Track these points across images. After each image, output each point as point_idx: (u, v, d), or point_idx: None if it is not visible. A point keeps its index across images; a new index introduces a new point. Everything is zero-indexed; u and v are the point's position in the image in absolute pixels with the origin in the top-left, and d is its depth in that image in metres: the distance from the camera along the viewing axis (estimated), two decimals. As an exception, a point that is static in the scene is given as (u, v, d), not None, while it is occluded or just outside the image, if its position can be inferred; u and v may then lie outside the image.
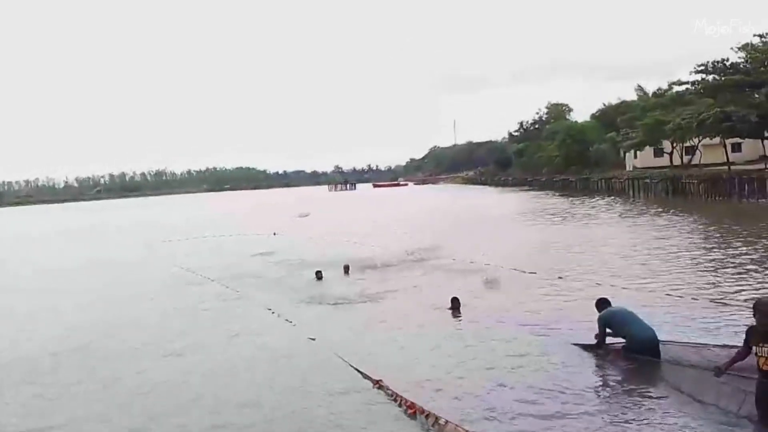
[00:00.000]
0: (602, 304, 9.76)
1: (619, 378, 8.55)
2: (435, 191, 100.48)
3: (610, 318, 9.34)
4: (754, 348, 6.47)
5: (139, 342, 11.85)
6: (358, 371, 8.90)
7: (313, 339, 10.99)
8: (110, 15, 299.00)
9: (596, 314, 9.63)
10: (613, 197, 51.72)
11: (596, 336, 9.45)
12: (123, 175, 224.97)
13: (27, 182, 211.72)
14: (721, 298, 12.48)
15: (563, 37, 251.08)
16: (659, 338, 8.87)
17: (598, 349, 9.41)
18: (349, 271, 18.85)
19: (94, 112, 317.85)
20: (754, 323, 6.62)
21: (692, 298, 12.64)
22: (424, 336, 11.12)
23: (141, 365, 10.21)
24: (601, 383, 8.39)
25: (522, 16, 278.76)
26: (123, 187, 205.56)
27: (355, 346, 10.58)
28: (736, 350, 7.08)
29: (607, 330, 9.30)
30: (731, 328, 10.05)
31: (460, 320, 12.37)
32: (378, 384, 8.19)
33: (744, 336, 6.82)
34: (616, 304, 9.84)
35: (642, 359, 8.68)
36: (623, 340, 9.13)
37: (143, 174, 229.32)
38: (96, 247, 34.26)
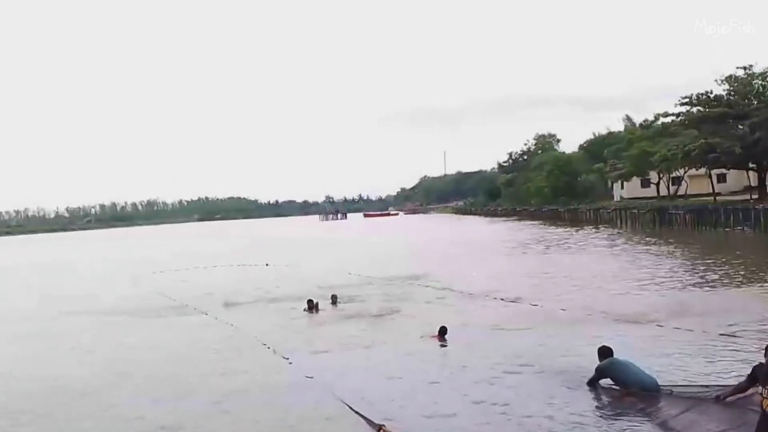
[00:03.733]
0: (604, 353, 9.54)
1: (606, 410, 8.68)
2: (426, 221, 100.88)
3: (608, 369, 9.27)
4: (760, 388, 6.26)
5: (131, 381, 11.56)
6: (360, 415, 8.75)
7: (311, 377, 10.93)
8: (101, 42, 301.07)
9: (588, 354, 9.75)
10: (601, 227, 52.17)
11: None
12: (114, 205, 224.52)
13: (17, 212, 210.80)
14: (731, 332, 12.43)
15: (552, 68, 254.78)
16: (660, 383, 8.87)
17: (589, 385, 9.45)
18: (337, 302, 18.88)
19: (85, 142, 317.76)
20: (764, 362, 6.61)
21: (703, 331, 12.52)
22: (416, 369, 11.16)
23: (133, 411, 9.70)
24: (588, 418, 8.46)
25: (510, 47, 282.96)
26: (113, 217, 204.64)
27: (351, 383, 10.47)
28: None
29: (605, 379, 9.29)
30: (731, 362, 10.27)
31: (448, 350, 12.55)
32: (381, 430, 8.10)
33: (750, 371, 6.86)
34: (619, 355, 9.56)
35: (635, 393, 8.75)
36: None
37: (134, 204, 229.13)
38: (85, 279, 34.10)
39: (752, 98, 45.65)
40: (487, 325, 14.58)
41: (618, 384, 9.09)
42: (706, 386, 8.55)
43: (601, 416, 8.44)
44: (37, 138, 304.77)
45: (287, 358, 12.49)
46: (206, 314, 18.77)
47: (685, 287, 18.91)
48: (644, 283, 20.06)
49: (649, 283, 19.98)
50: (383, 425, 8.14)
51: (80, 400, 10.55)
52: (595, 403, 8.96)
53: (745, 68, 46.18)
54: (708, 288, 18.52)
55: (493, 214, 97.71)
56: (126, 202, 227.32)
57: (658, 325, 13.40)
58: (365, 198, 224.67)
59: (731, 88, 46.58)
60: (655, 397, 8.60)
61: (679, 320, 13.63)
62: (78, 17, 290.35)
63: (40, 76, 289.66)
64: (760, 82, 45.83)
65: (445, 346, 12.80)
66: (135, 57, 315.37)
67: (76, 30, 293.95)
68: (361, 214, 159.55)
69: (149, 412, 9.56)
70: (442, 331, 13.21)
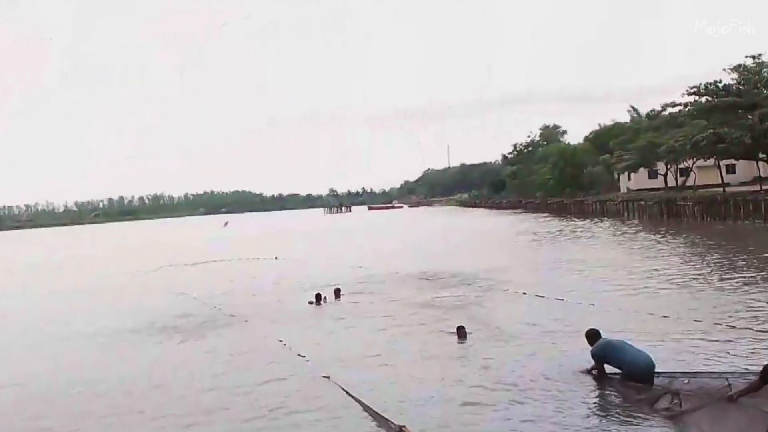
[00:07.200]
0: (593, 337, 9.66)
1: (619, 408, 8.53)
2: (431, 214, 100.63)
3: (604, 350, 9.32)
4: None
5: (144, 382, 11.34)
6: (380, 416, 8.57)
7: (327, 377, 10.69)
8: (106, 36, 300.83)
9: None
10: (610, 219, 51.63)
11: (594, 371, 9.46)
12: (122, 199, 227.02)
13: (27, 206, 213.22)
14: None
15: (556, 61, 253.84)
16: (657, 365, 8.88)
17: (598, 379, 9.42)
18: (341, 295, 18.75)
19: (93, 137, 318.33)
20: None
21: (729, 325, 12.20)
22: (434, 368, 10.94)
23: (147, 420, 9.47)
24: (599, 413, 8.39)
25: (514, 40, 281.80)
26: (121, 211, 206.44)
27: (367, 382, 10.26)
28: (747, 380, 7.14)
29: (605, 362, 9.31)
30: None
31: (466, 349, 12.19)
32: (401, 431, 7.94)
33: (762, 369, 6.79)
34: (608, 335, 9.79)
35: (639, 387, 8.65)
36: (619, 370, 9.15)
37: (141, 198, 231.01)
38: (94, 272, 34.04)
39: (762, 88, 45.14)
40: (508, 322, 14.13)
41: (616, 365, 9.10)
42: (712, 373, 8.48)
43: (618, 418, 8.22)
44: (47, 134, 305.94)
45: (304, 356, 12.18)
46: (219, 308, 18.51)
47: (720, 285, 17.59)
48: (672, 279, 19.06)
49: (679, 279, 18.96)
50: (404, 426, 7.97)
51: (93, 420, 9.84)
52: (608, 402, 8.79)
53: (754, 57, 45.63)
54: (742, 285, 17.07)
55: (498, 206, 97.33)
56: (133, 196, 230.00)
57: (695, 320, 12.78)
58: (369, 191, 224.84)
59: (740, 78, 46.04)
60: (656, 393, 8.41)
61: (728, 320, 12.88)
62: (82, 12, 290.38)
63: (46, 72, 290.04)
64: (770, 72, 45.27)
65: (463, 344, 12.48)
66: (139, 51, 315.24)
67: (79, 25, 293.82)
68: (365, 207, 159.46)
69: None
70: (460, 330, 12.88)
